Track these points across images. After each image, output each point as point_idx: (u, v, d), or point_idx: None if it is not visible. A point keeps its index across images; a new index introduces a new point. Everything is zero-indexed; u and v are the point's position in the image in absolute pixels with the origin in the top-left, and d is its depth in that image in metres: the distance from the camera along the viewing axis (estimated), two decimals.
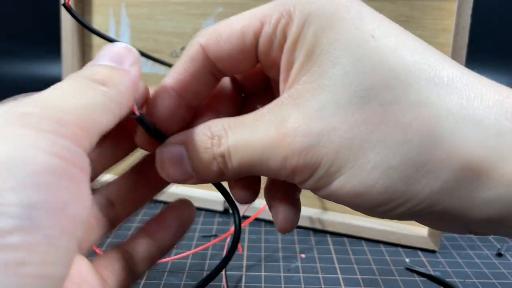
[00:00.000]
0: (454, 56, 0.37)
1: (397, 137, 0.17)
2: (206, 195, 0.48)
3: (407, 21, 0.39)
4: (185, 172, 0.20)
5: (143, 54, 0.43)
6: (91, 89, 0.16)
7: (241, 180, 0.23)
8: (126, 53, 0.20)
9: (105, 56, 0.19)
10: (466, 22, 0.36)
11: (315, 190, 0.19)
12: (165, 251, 0.24)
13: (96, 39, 0.50)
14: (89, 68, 0.18)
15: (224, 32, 0.20)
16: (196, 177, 0.20)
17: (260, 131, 0.19)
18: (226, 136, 0.19)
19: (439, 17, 0.38)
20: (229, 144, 0.19)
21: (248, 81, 0.24)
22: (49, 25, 0.69)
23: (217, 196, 0.48)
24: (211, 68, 0.21)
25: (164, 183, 0.24)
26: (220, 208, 0.47)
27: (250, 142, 0.19)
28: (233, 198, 0.23)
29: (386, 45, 0.17)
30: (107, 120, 0.16)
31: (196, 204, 0.48)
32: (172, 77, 0.21)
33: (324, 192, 0.19)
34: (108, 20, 0.49)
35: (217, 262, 0.37)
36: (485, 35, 1.02)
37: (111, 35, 0.49)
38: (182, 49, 0.47)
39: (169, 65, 0.46)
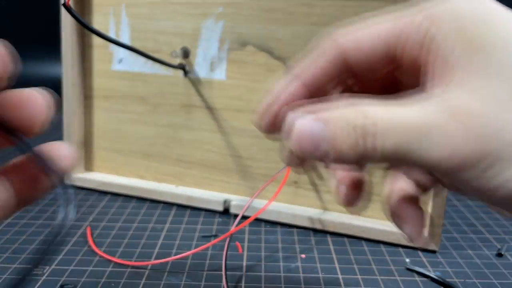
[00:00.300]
0: None
1: None
2: (206, 195, 0.48)
3: None
4: (317, 147, 0.18)
5: (143, 54, 0.43)
6: None
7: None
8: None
9: None
10: None
11: (476, 185, 0.17)
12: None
13: (96, 39, 0.50)
14: None
15: (363, 34, 0.21)
16: (331, 152, 0.18)
17: (420, 111, 0.17)
18: (374, 112, 0.17)
19: None
20: (377, 116, 0.17)
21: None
22: (49, 25, 0.69)
23: (217, 196, 0.48)
24: (343, 69, 0.21)
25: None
26: (220, 208, 0.47)
27: (399, 116, 0.17)
28: None
29: None
30: None
31: (196, 204, 0.48)
32: (300, 68, 0.22)
33: (489, 185, 0.17)
34: (108, 20, 0.49)
35: (217, 262, 0.37)
36: None
37: (111, 35, 0.49)
38: (182, 49, 0.47)
39: (169, 65, 0.46)
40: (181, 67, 0.47)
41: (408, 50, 0.20)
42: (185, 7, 0.46)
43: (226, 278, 0.35)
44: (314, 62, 0.22)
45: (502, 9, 0.18)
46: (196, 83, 0.47)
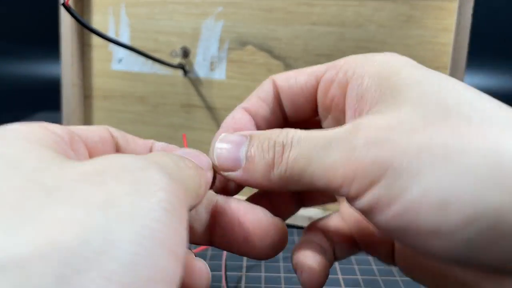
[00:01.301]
0: (454, 56, 0.37)
1: (483, 148, 0.15)
2: None
3: (407, 21, 0.39)
4: (236, 158, 0.20)
5: (143, 54, 0.43)
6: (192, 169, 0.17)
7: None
8: (205, 159, 0.21)
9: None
10: (467, 22, 0.36)
11: (377, 206, 0.16)
12: None
13: (95, 39, 0.50)
14: (184, 159, 0.19)
15: (294, 73, 0.24)
16: (245, 167, 0.20)
17: (331, 131, 0.18)
18: (295, 132, 0.19)
19: (440, 16, 0.38)
20: (294, 135, 0.19)
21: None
22: (49, 25, 0.69)
23: None
24: (279, 103, 0.24)
25: None
26: None
27: (314, 135, 0.18)
28: None
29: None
30: (196, 199, 0.17)
31: None
32: (246, 102, 0.24)
33: (395, 208, 0.15)
34: (108, 20, 0.49)
35: (217, 262, 0.37)
36: (486, 35, 1.02)
37: (111, 34, 0.49)
38: (182, 48, 0.47)
39: (169, 65, 0.46)
40: (181, 67, 0.47)
41: (330, 89, 0.22)
42: (185, 7, 0.46)
43: (226, 278, 0.35)
44: (256, 96, 0.24)
45: (407, 59, 0.20)
46: (196, 83, 0.47)
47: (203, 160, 0.20)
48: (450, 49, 0.37)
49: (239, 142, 0.20)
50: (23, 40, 1.16)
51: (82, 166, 0.14)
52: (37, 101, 0.96)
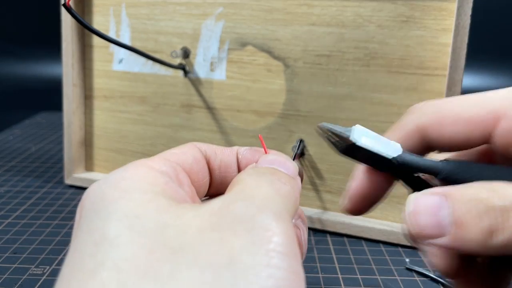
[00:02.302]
0: (454, 56, 0.37)
1: None
2: None
3: (407, 21, 0.39)
4: (439, 223, 0.17)
5: (143, 54, 0.43)
6: (278, 197, 0.17)
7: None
8: (293, 167, 0.21)
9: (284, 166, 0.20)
10: (466, 22, 0.36)
11: None
12: None
13: (96, 39, 0.50)
14: (275, 173, 0.19)
15: (449, 116, 0.20)
16: (454, 232, 0.17)
17: None
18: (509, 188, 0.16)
19: (439, 17, 0.38)
20: None
21: None
22: (49, 25, 0.69)
23: None
24: (425, 145, 0.21)
25: None
26: None
27: None
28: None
29: None
30: (295, 210, 0.18)
31: None
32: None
33: None
34: (108, 20, 0.49)
35: None
36: (485, 35, 1.02)
37: (111, 35, 0.49)
38: (182, 49, 0.47)
39: (169, 65, 0.46)
40: (181, 67, 0.47)
41: (504, 141, 0.19)
42: (185, 7, 0.46)
43: None
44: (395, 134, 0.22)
45: None
46: (196, 83, 0.47)
47: (291, 167, 0.20)
48: (449, 49, 0.37)
49: (438, 204, 0.17)
50: (24, 40, 1.16)
51: (198, 219, 0.14)
52: (38, 101, 0.96)
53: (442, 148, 0.21)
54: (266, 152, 0.23)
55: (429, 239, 0.17)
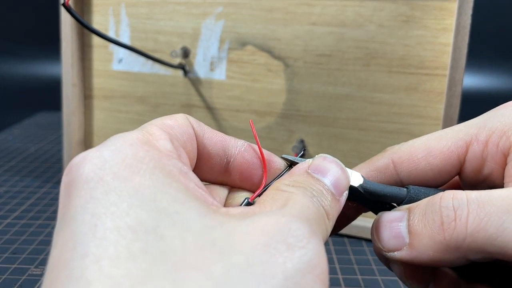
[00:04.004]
0: (454, 56, 0.37)
1: None
2: None
3: (407, 21, 0.39)
4: (397, 234, 0.19)
5: (143, 54, 0.43)
6: (323, 221, 0.17)
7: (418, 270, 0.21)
8: (345, 184, 0.19)
9: (330, 176, 0.19)
10: (466, 22, 0.36)
11: None
12: None
13: (95, 39, 0.50)
14: (320, 192, 0.18)
15: (421, 151, 0.21)
16: (410, 242, 0.18)
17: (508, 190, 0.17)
18: (464, 193, 0.17)
19: (439, 17, 0.38)
20: (465, 198, 0.17)
21: None
22: (49, 25, 0.69)
23: None
24: (398, 182, 0.22)
25: None
26: None
27: (495, 196, 0.16)
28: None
29: None
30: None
31: None
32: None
33: None
34: (108, 20, 0.49)
35: None
36: (486, 35, 1.02)
37: (111, 35, 0.49)
38: (182, 48, 0.47)
39: (169, 65, 0.46)
40: (181, 67, 0.47)
41: (474, 166, 0.20)
42: (185, 7, 0.46)
43: None
44: (368, 175, 0.22)
45: None
46: (196, 83, 0.47)
47: (342, 184, 0.19)
48: (450, 49, 0.37)
49: (398, 217, 0.19)
50: (23, 40, 1.16)
51: (250, 236, 0.14)
52: (38, 101, 0.96)
53: (415, 185, 0.21)
54: (259, 147, 0.21)
55: (390, 252, 0.19)
